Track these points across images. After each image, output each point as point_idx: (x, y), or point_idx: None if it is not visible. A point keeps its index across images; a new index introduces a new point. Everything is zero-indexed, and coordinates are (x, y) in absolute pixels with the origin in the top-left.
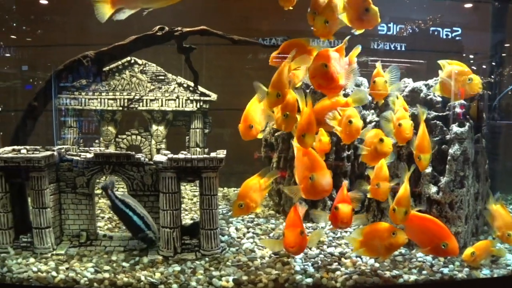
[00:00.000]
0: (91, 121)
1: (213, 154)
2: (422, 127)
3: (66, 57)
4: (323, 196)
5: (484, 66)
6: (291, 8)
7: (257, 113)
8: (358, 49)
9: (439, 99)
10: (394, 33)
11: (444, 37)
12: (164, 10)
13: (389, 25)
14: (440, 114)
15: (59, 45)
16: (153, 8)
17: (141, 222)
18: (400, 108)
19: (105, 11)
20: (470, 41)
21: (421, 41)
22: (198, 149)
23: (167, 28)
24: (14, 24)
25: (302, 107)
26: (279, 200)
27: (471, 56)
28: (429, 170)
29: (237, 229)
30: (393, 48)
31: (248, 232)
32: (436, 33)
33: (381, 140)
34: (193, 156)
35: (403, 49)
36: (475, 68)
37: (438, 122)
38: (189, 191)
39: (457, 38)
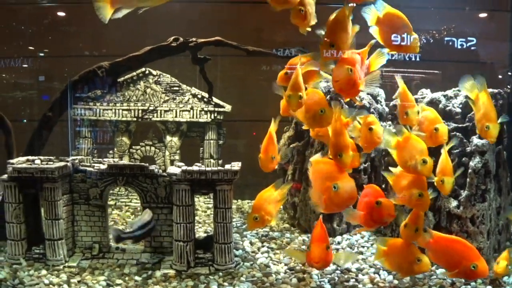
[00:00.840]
0: (105, 132)
1: (227, 166)
2: (445, 152)
3: (82, 68)
4: (349, 205)
5: (500, 76)
6: (308, 29)
7: (274, 140)
8: (371, 44)
9: (459, 110)
10: (408, 43)
11: (459, 47)
12: (178, 20)
13: (403, 36)
14: (460, 125)
15: (75, 56)
16: (148, 6)
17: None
18: (372, 116)
19: (106, 11)
20: (485, 51)
21: (436, 51)
22: (212, 160)
23: (181, 39)
24: (31, 35)
25: (334, 123)
26: (294, 213)
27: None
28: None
29: (251, 243)
30: (407, 59)
31: (263, 246)
32: (450, 43)
33: (436, 129)
34: (207, 169)
35: (417, 59)
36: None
37: (457, 133)
38: (203, 203)
39: (472, 47)
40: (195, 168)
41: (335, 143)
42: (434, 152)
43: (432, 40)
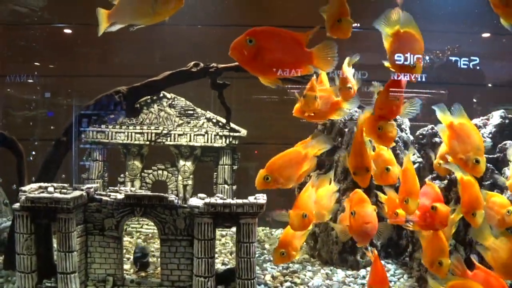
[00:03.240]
0: (117, 155)
1: (251, 198)
2: (474, 181)
3: (89, 86)
4: (367, 231)
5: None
6: None
7: (311, 201)
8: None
9: (488, 140)
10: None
11: (463, 67)
12: (185, 41)
13: (406, 55)
14: (491, 156)
15: (84, 75)
16: (141, 25)
17: None
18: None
19: (103, 23)
20: (489, 71)
21: (440, 71)
22: (226, 186)
23: (202, 64)
24: (38, 54)
25: (405, 165)
26: (314, 244)
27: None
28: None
29: (273, 277)
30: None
31: (286, 281)
32: (455, 63)
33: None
34: (231, 201)
35: (423, 79)
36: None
37: (488, 165)
38: (217, 230)
39: (477, 67)
40: (218, 200)
41: (404, 187)
42: None
43: (436, 60)
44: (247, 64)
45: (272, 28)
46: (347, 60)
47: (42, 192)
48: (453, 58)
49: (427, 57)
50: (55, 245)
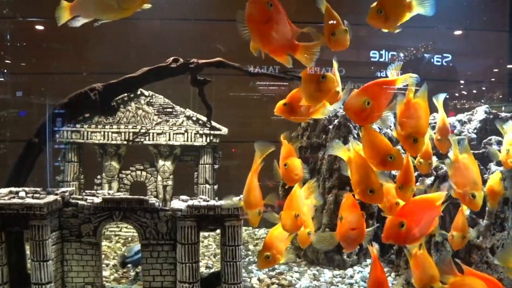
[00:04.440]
0: (93, 156)
1: (236, 199)
2: (469, 156)
3: (63, 84)
4: (353, 238)
5: (474, 91)
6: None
7: (302, 201)
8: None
9: (474, 136)
10: (387, 60)
11: (437, 63)
12: (165, 38)
13: (381, 52)
14: (476, 152)
15: (57, 72)
16: (106, 20)
17: None
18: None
19: (64, 16)
20: (462, 67)
21: (414, 68)
22: (207, 186)
23: (181, 60)
24: (8, 50)
25: (407, 158)
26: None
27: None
28: (467, 212)
29: (259, 280)
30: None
31: (273, 283)
32: (428, 59)
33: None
34: (216, 203)
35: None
36: (465, 92)
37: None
38: None
39: (450, 64)
40: (202, 203)
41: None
42: None
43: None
44: (259, 24)
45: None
46: (335, 64)
47: (13, 197)
48: (427, 55)
49: (401, 54)
50: (28, 253)
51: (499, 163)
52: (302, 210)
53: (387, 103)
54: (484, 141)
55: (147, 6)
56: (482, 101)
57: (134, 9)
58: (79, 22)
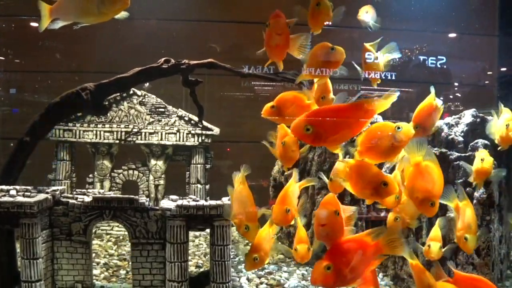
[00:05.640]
0: (85, 154)
1: (225, 199)
2: (469, 204)
3: (55, 83)
4: (322, 233)
5: (468, 94)
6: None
7: (295, 196)
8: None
9: (461, 139)
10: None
11: (431, 66)
12: (154, 37)
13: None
14: (463, 154)
15: (50, 71)
16: (85, 23)
17: None
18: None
19: (44, 19)
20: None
21: (409, 70)
22: (199, 185)
23: (173, 61)
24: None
25: None
26: (289, 244)
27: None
28: (453, 214)
29: (248, 280)
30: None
31: (261, 283)
32: (422, 62)
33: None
34: (205, 203)
35: (393, 78)
36: (459, 94)
37: (461, 163)
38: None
39: (444, 67)
40: (191, 202)
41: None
42: None
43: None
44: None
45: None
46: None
47: (4, 195)
48: (422, 57)
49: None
50: (18, 251)
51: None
52: (294, 205)
53: (344, 127)
54: (471, 144)
55: (124, 14)
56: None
57: (114, 14)
58: (58, 24)
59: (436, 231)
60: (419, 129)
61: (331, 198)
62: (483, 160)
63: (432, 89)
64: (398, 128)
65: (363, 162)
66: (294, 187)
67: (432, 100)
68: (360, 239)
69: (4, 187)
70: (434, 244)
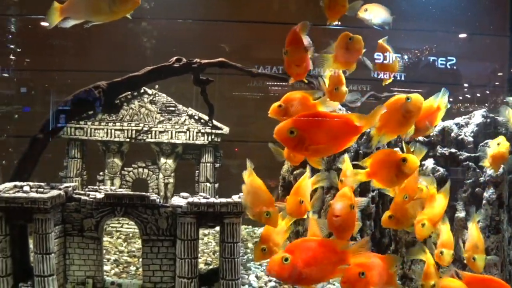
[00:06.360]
0: (96, 152)
1: (235, 197)
2: (475, 225)
3: (67, 81)
4: (335, 225)
5: (478, 94)
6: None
7: (308, 191)
8: None
9: (471, 139)
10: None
11: (440, 66)
12: (162, 36)
13: (385, 54)
14: (472, 154)
15: (62, 70)
16: (96, 22)
17: None
18: None
19: (54, 18)
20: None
21: (418, 71)
22: (208, 184)
23: (184, 60)
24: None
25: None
26: None
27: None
28: (463, 214)
29: (257, 277)
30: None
31: (270, 281)
32: (432, 62)
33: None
34: (215, 201)
35: (402, 78)
36: (469, 96)
37: (470, 163)
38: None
39: (453, 67)
40: (202, 200)
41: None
42: None
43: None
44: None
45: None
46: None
47: (18, 191)
48: (431, 58)
49: (405, 56)
50: (31, 246)
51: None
52: (308, 199)
53: (330, 138)
54: (481, 144)
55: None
56: (486, 105)
57: (125, 12)
58: (69, 23)
59: (447, 235)
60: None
61: (347, 192)
62: (499, 144)
63: (443, 91)
64: (408, 99)
65: (380, 153)
66: (307, 181)
67: (433, 102)
68: (329, 243)
69: (18, 183)
70: (447, 252)
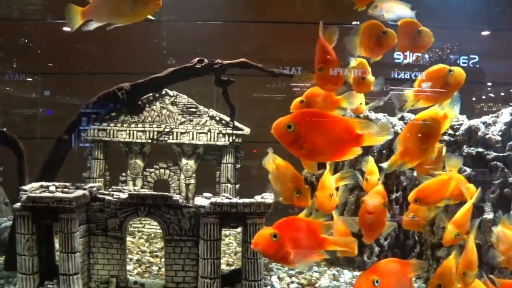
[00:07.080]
0: (119, 153)
1: (258, 198)
2: (471, 239)
3: (91, 84)
4: (368, 221)
5: (502, 94)
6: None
7: (333, 184)
8: None
9: (499, 138)
10: (411, 61)
11: (462, 64)
12: (183, 38)
13: (405, 53)
14: (501, 154)
15: (85, 73)
16: (118, 24)
17: None
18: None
19: (76, 20)
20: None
21: None
22: (229, 185)
23: (206, 61)
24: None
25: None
26: None
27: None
28: (491, 216)
29: (279, 278)
30: (413, 77)
31: (292, 282)
32: (454, 60)
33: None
34: (238, 201)
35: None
36: (493, 95)
37: (498, 163)
38: None
39: (476, 65)
40: (225, 200)
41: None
42: None
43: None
44: None
45: None
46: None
47: (44, 191)
48: (453, 56)
49: (426, 55)
50: (57, 245)
51: None
52: (335, 192)
53: (328, 141)
54: (509, 143)
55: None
56: (511, 104)
57: (147, 14)
58: (92, 26)
59: (472, 252)
60: None
61: (380, 190)
62: None
63: (456, 99)
64: (450, 71)
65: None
66: (330, 177)
67: (439, 109)
68: (313, 226)
69: (44, 183)
70: (470, 274)
